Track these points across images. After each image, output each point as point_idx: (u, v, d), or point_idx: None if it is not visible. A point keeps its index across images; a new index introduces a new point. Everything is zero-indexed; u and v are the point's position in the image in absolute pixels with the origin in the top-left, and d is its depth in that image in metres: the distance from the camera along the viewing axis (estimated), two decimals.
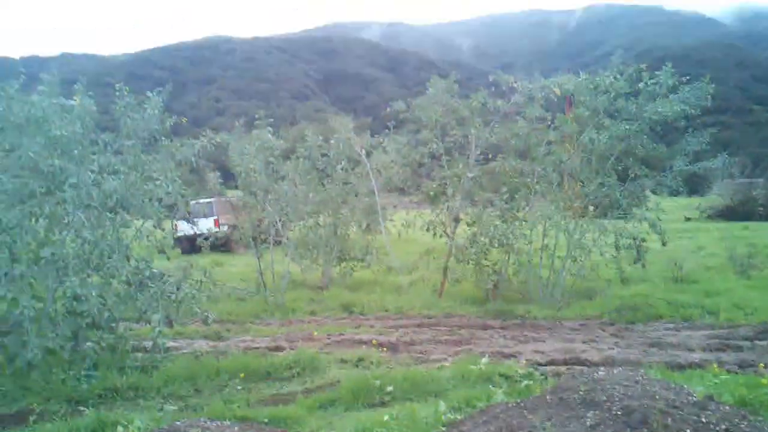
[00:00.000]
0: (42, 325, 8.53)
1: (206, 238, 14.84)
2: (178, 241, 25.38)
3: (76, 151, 9.32)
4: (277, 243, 16.09)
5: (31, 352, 8.20)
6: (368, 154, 16.56)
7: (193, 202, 24.92)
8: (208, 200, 26.08)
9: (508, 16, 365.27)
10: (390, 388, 7.54)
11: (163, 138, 10.55)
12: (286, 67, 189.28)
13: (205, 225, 23.42)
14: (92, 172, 9.35)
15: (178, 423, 4.76)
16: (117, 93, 10.17)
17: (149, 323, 9.43)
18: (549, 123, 14.40)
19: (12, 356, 8.73)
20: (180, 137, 11.20)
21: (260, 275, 15.30)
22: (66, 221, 9.08)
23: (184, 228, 24.44)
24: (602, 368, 7.95)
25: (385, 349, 10.04)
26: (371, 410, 7.18)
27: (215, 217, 26.19)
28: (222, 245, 23.16)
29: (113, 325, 9.46)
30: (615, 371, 7.25)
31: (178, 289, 9.76)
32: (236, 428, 5.21)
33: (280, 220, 15.37)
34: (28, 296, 8.39)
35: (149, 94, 10.37)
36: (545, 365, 8.95)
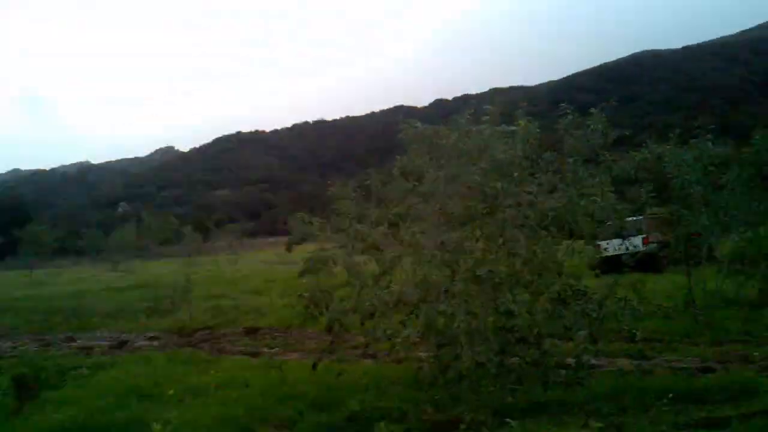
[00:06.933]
0: (474, 340, 9.00)
1: (633, 255, 14.37)
2: (598, 262, 24.97)
3: (516, 174, 9.79)
4: (710, 259, 15.09)
5: (464, 364, 8.73)
6: None
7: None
8: (637, 217, 25.19)
9: None
10: None
11: (605, 153, 10.57)
12: (719, 74, 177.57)
13: (634, 243, 22.75)
14: (529, 193, 9.74)
15: None
16: (560, 113, 10.56)
17: (572, 340, 9.50)
18: None
19: (445, 367, 9.40)
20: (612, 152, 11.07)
21: (690, 291, 14.45)
22: (501, 241, 9.56)
23: (607, 247, 24.05)
24: None
25: None
26: None
27: (644, 235, 25.06)
28: (649, 264, 22.30)
29: (540, 341, 9.63)
30: None
31: (600, 307, 9.63)
32: None
33: (713, 234, 14.33)
34: (464, 312, 8.97)
35: (592, 110, 10.52)
36: None
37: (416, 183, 10.39)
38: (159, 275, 38.75)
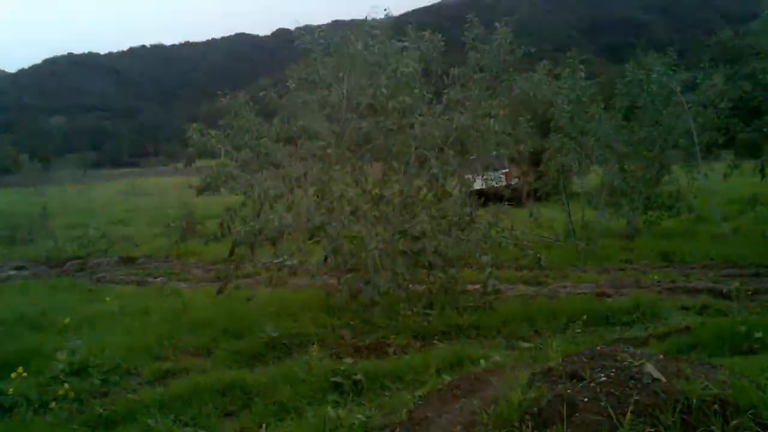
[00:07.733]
0: (384, 264, 8.81)
1: (507, 187, 14.53)
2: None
3: (416, 90, 9.55)
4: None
5: (380, 290, 8.57)
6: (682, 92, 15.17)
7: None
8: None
9: None
10: (759, 335, 6.84)
11: (510, 70, 10.47)
12: (549, 18, 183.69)
13: (497, 178, 23.05)
14: (432, 115, 9.60)
15: (597, 348, 4.43)
16: (467, 25, 10.33)
17: (470, 267, 9.57)
18: None
19: (355, 293, 9.19)
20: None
21: (570, 223, 14.90)
22: (406, 160, 9.38)
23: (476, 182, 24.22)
24: None
25: (724, 298, 9.33)
26: (741, 357, 6.51)
27: (506, 170, 25.49)
28: (512, 199, 22.80)
29: (447, 266, 9.55)
30: None
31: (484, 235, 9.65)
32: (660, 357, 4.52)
33: (580, 166, 14.63)
34: (373, 234, 8.74)
35: (497, 24, 10.31)
36: None
37: (312, 96, 10.06)
38: (4, 203, 35.41)
